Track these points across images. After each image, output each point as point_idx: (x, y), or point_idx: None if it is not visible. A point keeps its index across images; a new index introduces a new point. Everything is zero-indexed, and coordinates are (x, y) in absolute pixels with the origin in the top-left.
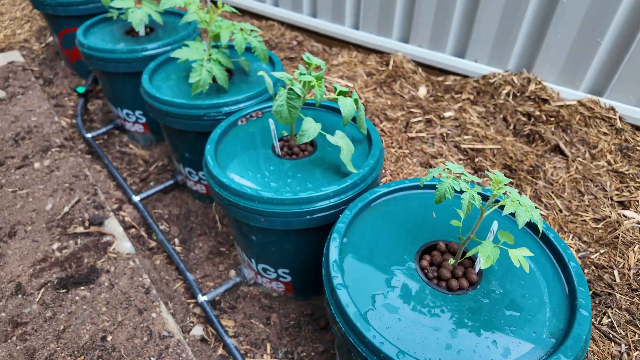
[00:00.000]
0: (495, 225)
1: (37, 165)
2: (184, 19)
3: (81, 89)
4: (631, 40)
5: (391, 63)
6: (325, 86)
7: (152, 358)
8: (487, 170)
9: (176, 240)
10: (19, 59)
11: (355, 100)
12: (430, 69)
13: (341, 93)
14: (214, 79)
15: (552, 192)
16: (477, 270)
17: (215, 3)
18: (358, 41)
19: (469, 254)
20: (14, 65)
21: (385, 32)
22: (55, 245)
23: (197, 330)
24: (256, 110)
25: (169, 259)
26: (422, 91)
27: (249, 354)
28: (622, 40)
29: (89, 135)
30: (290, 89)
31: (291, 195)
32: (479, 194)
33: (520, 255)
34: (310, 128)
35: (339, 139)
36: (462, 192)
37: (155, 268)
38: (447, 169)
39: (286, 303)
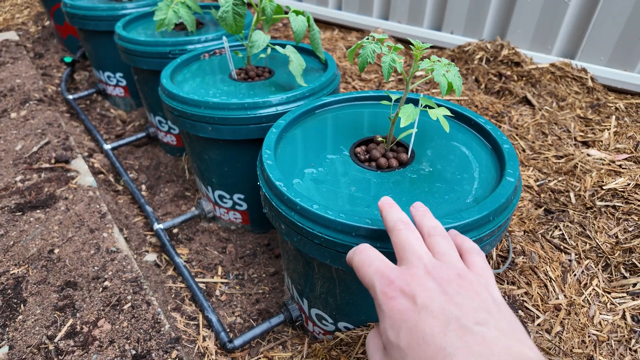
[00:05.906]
0: (421, 97)
1: (13, 115)
2: None
3: (68, 59)
4: (597, 0)
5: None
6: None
7: (95, 267)
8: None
9: (143, 187)
10: (14, 37)
11: (308, 19)
12: (410, 44)
13: (295, 12)
14: (182, 25)
15: (517, 135)
16: (409, 153)
17: None
18: (341, 21)
19: (400, 137)
20: (8, 42)
21: (366, 11)
22: (19, 178)
23: (151, 257)
24: (220, 48)
25: (133, 200)
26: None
27: (199, 276)
28: (588, 0)
29: (70, 96)
30: None
31: (237, 100)
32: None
33: (439, 113)
34: (260, 39)
35: (289, 52)
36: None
37: (117, 204)
38: (372, 36)
39: (244, 235)
